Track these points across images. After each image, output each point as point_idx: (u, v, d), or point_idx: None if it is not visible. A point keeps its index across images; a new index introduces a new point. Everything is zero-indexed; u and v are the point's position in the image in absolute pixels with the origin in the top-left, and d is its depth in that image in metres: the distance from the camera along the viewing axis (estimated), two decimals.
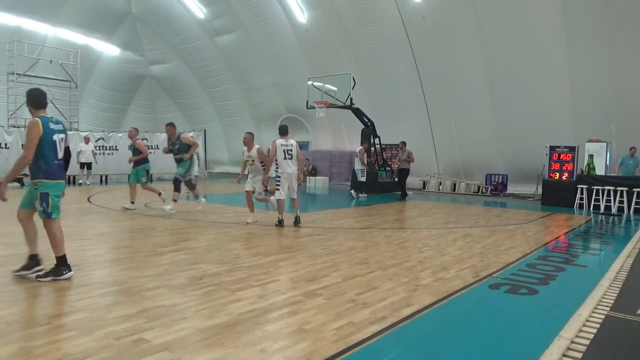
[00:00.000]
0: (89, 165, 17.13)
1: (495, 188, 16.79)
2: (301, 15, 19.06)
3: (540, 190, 14.69)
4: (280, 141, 8.43)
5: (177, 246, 6.35)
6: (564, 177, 13.84)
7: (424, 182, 18.47)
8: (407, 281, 4.83)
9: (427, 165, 18.32)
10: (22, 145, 16.38)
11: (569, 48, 13.90)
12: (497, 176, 17.01)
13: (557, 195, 13.61)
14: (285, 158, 8.38)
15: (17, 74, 18.10)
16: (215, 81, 24.32)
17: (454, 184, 17.62)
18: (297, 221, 8.66)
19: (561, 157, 13.91)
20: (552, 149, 14.01)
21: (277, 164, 8.51)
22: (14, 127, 17.33)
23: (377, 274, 5.12)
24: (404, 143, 15.03)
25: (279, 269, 5.22)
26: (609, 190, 12.60)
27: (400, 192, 15.22)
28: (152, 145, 20.86)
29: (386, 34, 17.16)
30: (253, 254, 5.93)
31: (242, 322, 3.53)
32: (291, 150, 8.44)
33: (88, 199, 12.02)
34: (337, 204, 11.94)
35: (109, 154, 19.28)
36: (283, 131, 8.52)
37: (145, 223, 8.40)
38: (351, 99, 15.66)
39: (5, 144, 16.06)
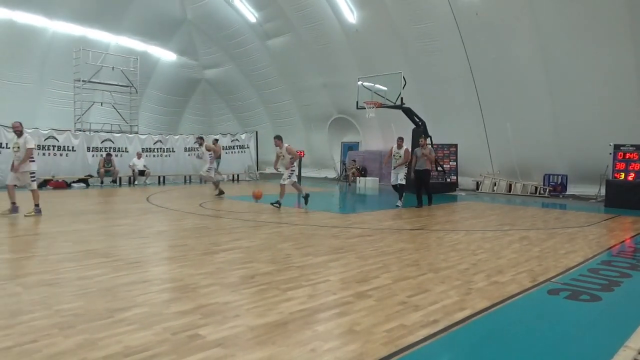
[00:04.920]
0: (141, 173, 18.07)
1: (554, 189, 16.06)
2: (351, 16, 19.06)
3: (603, 192, 13.90)
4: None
5: (230, 245, 6.52)
6: (630, 178, 13.03)
7: (477, 182, 17.96)
8: (459, 284, 4.72)
9: (480, 165, 17.80)
10: (87, 148, 17.40)
11: (633, 38, 13.06)
12: (556, 176, 16.26)
13: (622, 197, 12.83)
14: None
15: (83, 81, 19.23)
16: (266, 83, 24.78)
17: (510, 185, 17.01)
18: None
19: (627, 157, 13.11)
20: (617, 147, 13.23)
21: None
22: (80, 130, 18.41)
23: (429, 276, 5.03)
24: (426, 138, 12.66)
25: (329, 270, 5.24)
26: None
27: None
28: None
29: (438, 31, 16.83)
30: (303, 254, 5.98)
31: (293, 321, 3.57)
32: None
33: (147, 199, 12.57)
34: (387, 205, 11.81)
35: (166, 155, 20.07)
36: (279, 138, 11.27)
37: (199, 222, 8.68)
38: (402, 98, 15.47)
39: (72, 147, 17.09)
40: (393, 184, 12.30)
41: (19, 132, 8.90)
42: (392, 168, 12.22)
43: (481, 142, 17.44)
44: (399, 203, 12.00)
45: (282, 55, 22.90)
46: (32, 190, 8.96)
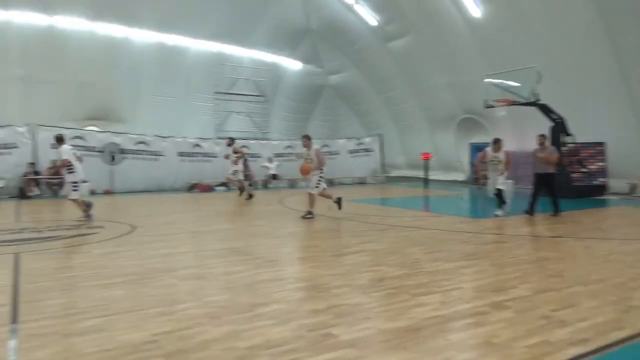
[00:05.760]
0: (274, 176, 19.24)
1: None
2: (475, 10, 18.14)
3: None
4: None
5: (358, 247, 6.60)
6: None
7: (632, 185, 15.82)
8: (615, 300, 4.18)
9: (634, 165, 15.64)
10: (225, 156, 18.94)
11: None
12: None
13: None
14: None
15: (221, 93, 21.08)
16: (388, 86, 24.67)
17: None
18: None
19: None
20: None
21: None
22: (220, 138, 20.18)
23: (576, 289, 4.55)
24: (543, 136, 10.21)
25: (461, 276, 5.03)
26: None
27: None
28: (331, 152, 22.20)
29: (577, 20, 15.19)
30: (433, 259, 5.82)
31: (425, 327, 3.49)
32: None
33: (280, 202, 13.30)
34: (522, 209, 10.87)
35: (295, 160, 21.06)
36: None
37: (328, 225, 8.94)
38: (537, 94, 14.28)
39: (214, 154, 18.77)
40: (493, 193, 10.33)
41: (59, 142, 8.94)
42: (492, 174, 10.23)
43: (633, 139, 15.33)
44: (499, 212, 10.02)
45: (403, 56, 22.62)
46: (72, 200, 8.82)
